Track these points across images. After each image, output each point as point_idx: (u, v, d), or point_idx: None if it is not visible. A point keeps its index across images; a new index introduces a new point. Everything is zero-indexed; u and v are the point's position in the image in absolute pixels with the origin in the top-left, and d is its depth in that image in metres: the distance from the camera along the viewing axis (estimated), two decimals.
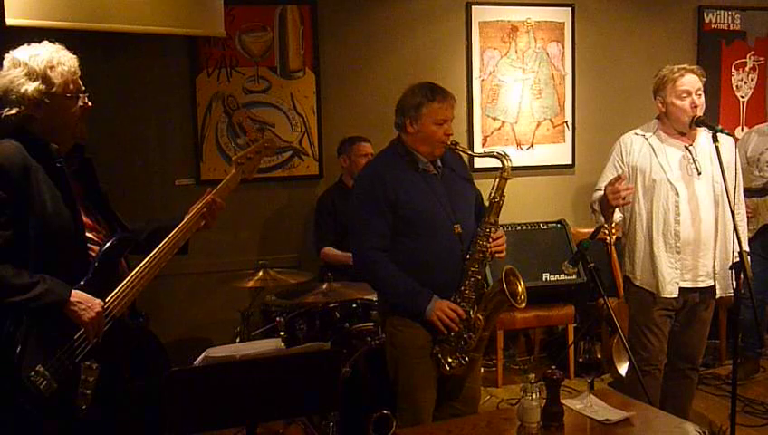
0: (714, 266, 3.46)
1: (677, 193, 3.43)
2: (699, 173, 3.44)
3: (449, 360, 3.05)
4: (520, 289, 3.04)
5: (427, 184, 3.07)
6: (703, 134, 3.48)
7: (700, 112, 3.45)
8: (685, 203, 3.43)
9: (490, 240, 3.05)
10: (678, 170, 3.45)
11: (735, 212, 3.30)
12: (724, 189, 3.28)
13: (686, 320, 3.58)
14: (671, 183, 3.43)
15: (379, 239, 3.03)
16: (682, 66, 3.50)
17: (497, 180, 3.08)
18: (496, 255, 3.10)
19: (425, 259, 3.03)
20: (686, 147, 3.48)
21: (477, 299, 3.05)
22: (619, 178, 3.30)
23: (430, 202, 3.04)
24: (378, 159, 3.24)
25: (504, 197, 3.08)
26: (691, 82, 3.44)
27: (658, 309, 3.49)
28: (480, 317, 3.03)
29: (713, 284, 3.48)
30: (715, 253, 3.46)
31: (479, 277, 3.05)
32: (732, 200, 3.28)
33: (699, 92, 3.46)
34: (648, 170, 3.48)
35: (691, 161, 3.46)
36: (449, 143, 3.07)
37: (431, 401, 3.12)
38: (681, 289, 3.46)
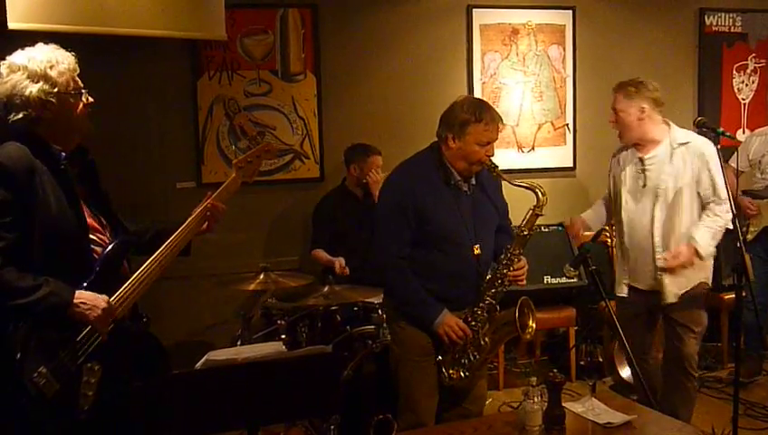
0: (655, 273, 3.59)
1: (626, 202, 3.65)
2: (644, 185, 3.59)
3: (450, 371, 3.07)
4: (531, 322, 3.04)
5: (455, 201, 3.04)
6: (664, 143, 3.58)
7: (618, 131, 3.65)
8: (627, 212, 3.65)
9: (511, 269, 3.04)
10: (629, 181, 3.66)
11: (709, 215, 3.49)
12: (683, 194, 3.50)
13: (665, 323, 3.72)
14: (622, 194, 3.67)
15: (401, 248, 3.03)
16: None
17: (529, 214, 3.05)
18: (517, 283, 3.10)
19: (439, 273, 3.04)
20: (639, 158, 3.63)
21: (488, 320, 3.06)
22: (571, 222, 3.91)
23: (454, 220, 3.03)
24: (410, 166, 3.15)
25: (533, 231, 3.07)
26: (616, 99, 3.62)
27: (624, 308, 3.73)
28: (487, 340, 3.04)
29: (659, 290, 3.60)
30: (654, 260, 3.58)
31: (493, 301, 3.05)
32: (685, 204, 3.50)
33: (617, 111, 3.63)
34: (616, 183, 3.74)
35: (641, 172, 3.60)
36: (489, 165, 3.01)
37: (432, 405, 3.12)
38: (639, 290, 3.66)
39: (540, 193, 3.03)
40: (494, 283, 3.04)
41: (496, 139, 3.03)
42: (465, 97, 3.12)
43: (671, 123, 3.63)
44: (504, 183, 3.12)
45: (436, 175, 3.05)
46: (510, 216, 3.34)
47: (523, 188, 3.05)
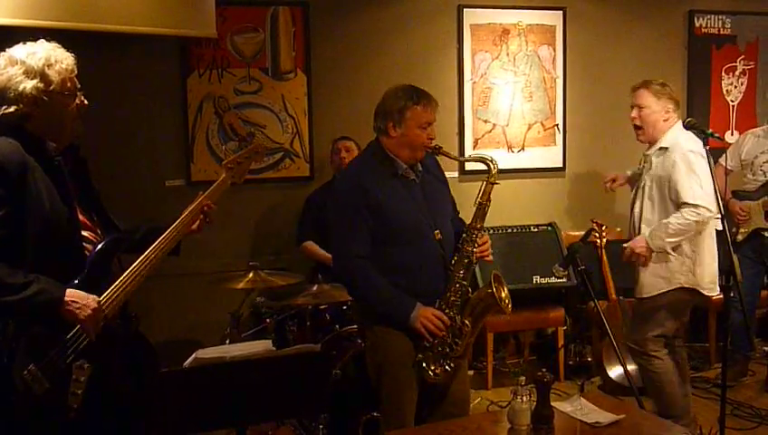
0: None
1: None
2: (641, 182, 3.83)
3: (433, 368, 3.00)
4: (504, 294, 3.01)
5: (406, 190, 3.03)
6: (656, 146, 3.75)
7: (638, 124, 3.80)
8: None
9: (476, 245, 3.03)
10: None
11: (675, 214, 3.56)
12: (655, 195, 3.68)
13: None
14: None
15: (361, 247, 2.97)
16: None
17: (484, 185, 3.06)
18: (484, 259, 3.09)
19: (407, 266, 2.98)
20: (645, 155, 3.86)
21: (463, 305, 3.02)
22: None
23: (410, 209, 3.00)
24: (355, 165, 3.18)
25: (490, 202, 3.07)
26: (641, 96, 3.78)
27: None
28: (467, 323, 3.00)
29: None
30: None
31: (465, 283, 3.02)
32: (656, 203, 3.66)
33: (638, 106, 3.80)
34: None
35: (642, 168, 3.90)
36: (433, 147, 3.04)
37: (412, 402, 3.06)
38: None
39: (491, 164, 3.07)
40: (461, 263, 3.01)
41: (434, 120, 3.05)
42: (395, 86, 3.10)
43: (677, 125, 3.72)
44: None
45: (382, 168, 3.03)
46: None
47: (473, 162, 3.16)
